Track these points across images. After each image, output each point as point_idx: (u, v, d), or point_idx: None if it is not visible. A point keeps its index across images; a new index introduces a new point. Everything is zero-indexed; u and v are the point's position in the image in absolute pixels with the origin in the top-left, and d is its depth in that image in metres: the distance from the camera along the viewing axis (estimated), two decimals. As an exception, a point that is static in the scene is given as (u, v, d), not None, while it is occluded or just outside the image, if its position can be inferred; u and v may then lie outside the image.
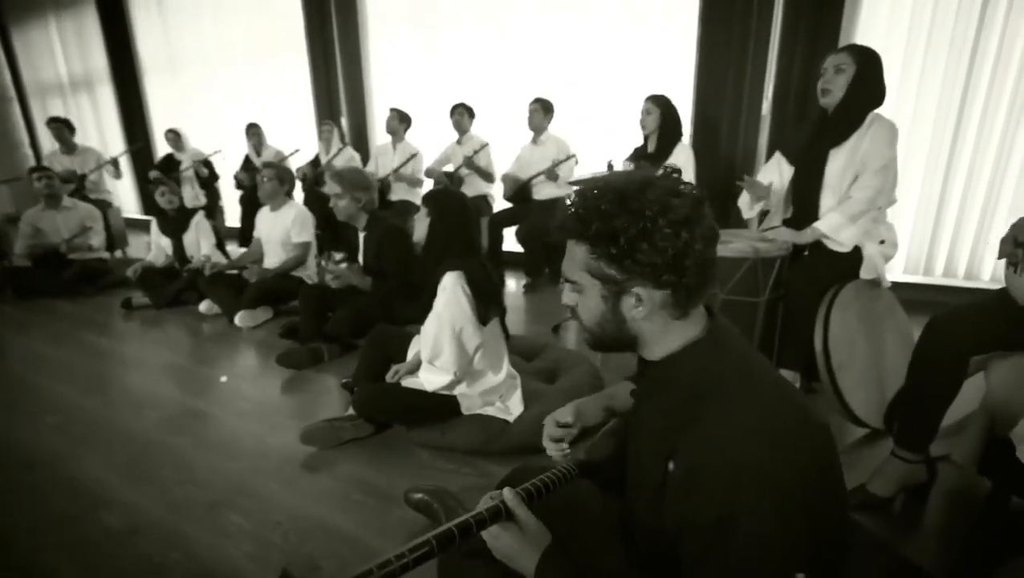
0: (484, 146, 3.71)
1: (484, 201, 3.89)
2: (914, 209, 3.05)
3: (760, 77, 3.15)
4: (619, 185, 0.65)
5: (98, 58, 6.52)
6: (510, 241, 3.73)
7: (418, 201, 3.99)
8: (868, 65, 1.71)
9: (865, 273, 1.81)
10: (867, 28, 2.92)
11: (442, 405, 1.72)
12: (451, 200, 1.71)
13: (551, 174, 3.30)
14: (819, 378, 1.73)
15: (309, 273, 3.06)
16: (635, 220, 0.62)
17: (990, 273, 2.96)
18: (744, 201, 1.93)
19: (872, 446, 1.70)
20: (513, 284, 3.76)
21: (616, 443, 0.89)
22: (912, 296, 2.73)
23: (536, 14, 3.87)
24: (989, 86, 2.74)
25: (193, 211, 3.49)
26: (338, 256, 3.41)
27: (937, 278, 3.08)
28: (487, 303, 1.67)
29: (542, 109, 3.37)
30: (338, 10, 4.59)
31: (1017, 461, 1.16)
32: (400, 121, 3.93)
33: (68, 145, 4.57)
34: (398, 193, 4.00)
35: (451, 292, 1.60)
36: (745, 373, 0.66)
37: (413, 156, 3.96)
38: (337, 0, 4.57)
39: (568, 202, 0.70)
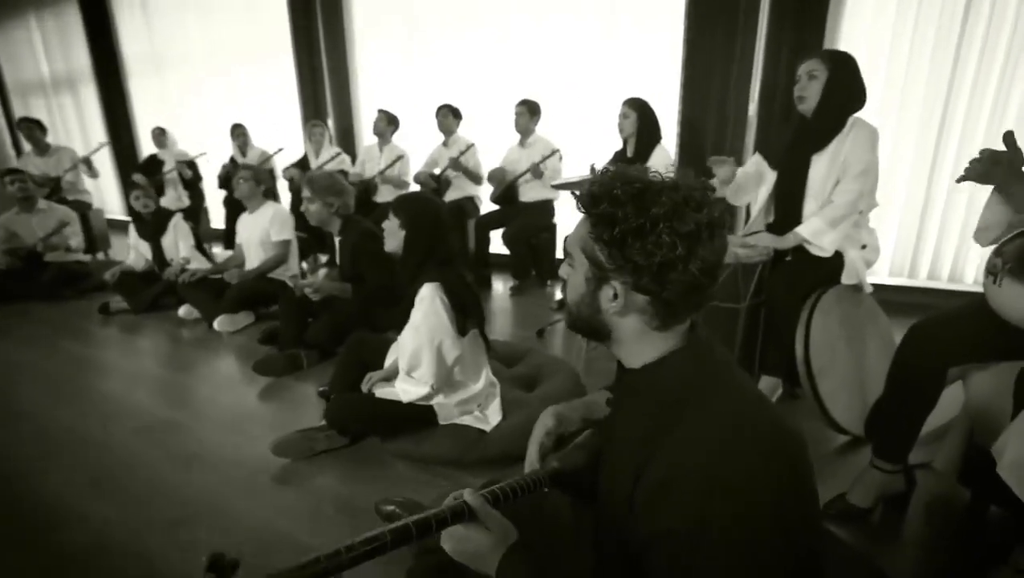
0: (470, 147, 3.68)
1: (471, 203, 3.85)
2: (899, 211, 3.05)
3: (746, 76, 3.13)
4: (646, 178, 0.65)
5: (81, 57, 6.41)
6: (497, 243, 3.70)
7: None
8: (840, 69, 1.69)
9: (846, 278, 1.79)
10: (852, 27, 2.92)
11: (418, 415, 1.69)
12: (423, 208, 1.66)
13: (536, 171, 3.27)
14: (801, 384, 1.71)
15: (293, 273, 3.01)
16: (638, 214, 0.61)
17: (974, 276, 2.97)
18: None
19: (853, 453, 1.68)
20: (500, 286, 3.73)
21: (590, 453, 0.88)
22: (897, 298, 2.73)
23: (523, 15, 3.84)
24: (973, 85, 2.74)
25: (171, 213, 3.43)
26: (323, 258, 3.36)
27: (922, 281, 3.08)
28: (466, 314, 1.63)
29: (528, 111, 3.34)
30: (324, 10, 4.54)
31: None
32: (388, 123, 3.89)
33: (40, 146, 4.48)
34: (384, 195, 3.96)
35: (429, 304, 1.56)
36: (723, 384, 0.65)
37: (400, 158, 3.91)
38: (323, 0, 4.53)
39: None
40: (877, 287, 1.93)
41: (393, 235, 1.67)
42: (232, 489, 1.58)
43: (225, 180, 4.68)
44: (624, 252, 0.63)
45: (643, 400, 0.68)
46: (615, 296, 0.65)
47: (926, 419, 1.31)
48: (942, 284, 3.04)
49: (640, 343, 0.68)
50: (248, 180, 2.90)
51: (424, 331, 1.56)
